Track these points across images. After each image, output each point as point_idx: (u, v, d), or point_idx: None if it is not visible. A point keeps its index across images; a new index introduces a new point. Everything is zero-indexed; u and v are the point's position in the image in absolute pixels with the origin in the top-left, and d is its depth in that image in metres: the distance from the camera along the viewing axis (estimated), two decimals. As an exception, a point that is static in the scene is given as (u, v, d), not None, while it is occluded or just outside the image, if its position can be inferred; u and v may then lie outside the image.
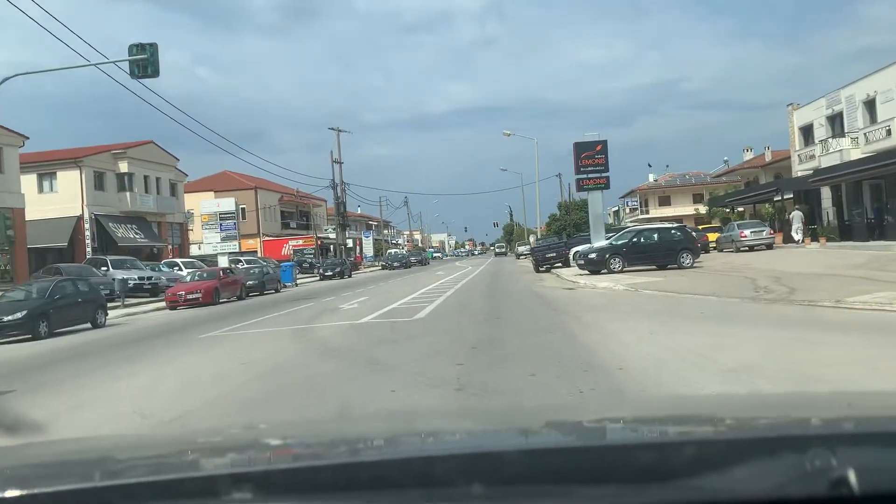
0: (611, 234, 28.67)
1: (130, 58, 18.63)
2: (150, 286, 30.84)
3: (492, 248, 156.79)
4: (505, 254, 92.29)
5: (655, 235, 24.86)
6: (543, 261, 32.47)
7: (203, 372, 9.38)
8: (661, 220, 58.27)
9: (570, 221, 62.66)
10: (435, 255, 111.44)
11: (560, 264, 32.04)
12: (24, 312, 16.47)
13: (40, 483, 1.31)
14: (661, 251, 24.07)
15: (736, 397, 4.14)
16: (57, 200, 38.34)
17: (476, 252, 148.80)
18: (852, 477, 1.01)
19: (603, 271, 23.67)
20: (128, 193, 41.57)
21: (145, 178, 43.41)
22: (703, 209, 62.12)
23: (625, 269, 23.67)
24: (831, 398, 2.34)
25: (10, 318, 16.34)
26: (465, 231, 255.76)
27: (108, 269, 30.81)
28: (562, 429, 1.81)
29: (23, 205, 32.71)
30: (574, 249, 33.16)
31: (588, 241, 30.63)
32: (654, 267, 23.80)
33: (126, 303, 26.88)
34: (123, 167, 41.69)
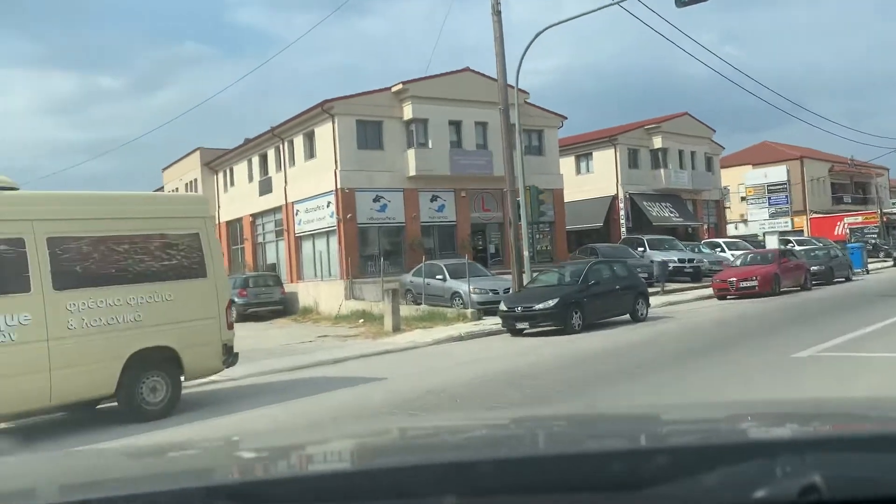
0: None
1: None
2: (691, 269, 27.04)
3: None
4: None
5: None
6: None
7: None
8: None
9: None
10: None
11: None
12: (557, 300, 13.90)
13: (13, 499, 1.33)
14: None
15: (706, 404, 3.65)
16: (592, 181, 38.44)
17: None
18: (822, 483, 1.01)
19: None
20: (661, 170, 39.13)
21: (679, 152, 40.31)
22: None
23: None
24: (801, 404, 2.28)
25: (541, 306, 13.93)
26: None
27: (644, 250, 28.20)
28: (535, 438, 1.79)
29: (561, 185, 32.86)
30: None
31: None
32: None
33: (665, 288, 23.60)
34: (657, 142, 39.34)
